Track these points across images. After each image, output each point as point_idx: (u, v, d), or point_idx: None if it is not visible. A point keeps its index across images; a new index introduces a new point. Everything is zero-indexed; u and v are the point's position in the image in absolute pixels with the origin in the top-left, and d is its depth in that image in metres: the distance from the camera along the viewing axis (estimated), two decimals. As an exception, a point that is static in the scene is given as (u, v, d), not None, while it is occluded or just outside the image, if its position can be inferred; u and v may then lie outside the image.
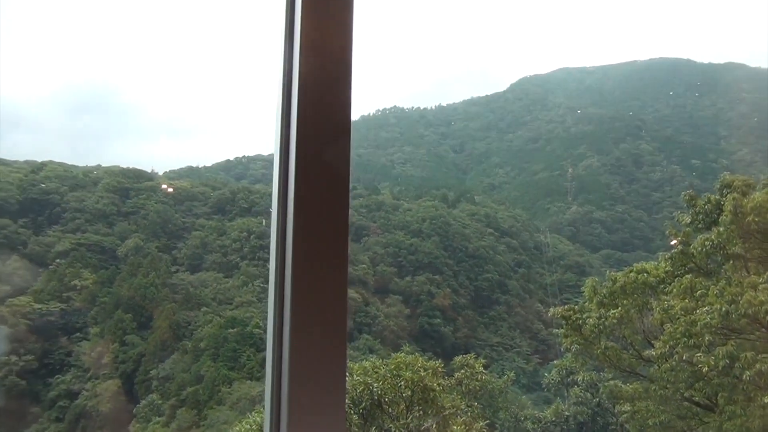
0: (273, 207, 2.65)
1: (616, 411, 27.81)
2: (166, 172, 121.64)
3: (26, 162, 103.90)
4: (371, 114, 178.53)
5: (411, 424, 10.32)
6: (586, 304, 25.84)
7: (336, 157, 2.63)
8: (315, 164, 2.55)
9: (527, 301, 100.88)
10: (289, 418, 2.31)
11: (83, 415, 66.00)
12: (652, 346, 23.42)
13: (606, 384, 28.23)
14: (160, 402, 62.84)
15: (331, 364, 2.43)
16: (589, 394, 30.16)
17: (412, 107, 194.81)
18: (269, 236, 2.75)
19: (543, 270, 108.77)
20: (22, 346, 72.44)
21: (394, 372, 9.92)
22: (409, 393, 10.62)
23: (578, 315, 24.92)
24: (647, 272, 24.85)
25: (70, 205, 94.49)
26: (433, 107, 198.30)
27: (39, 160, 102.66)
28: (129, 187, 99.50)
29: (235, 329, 69.32)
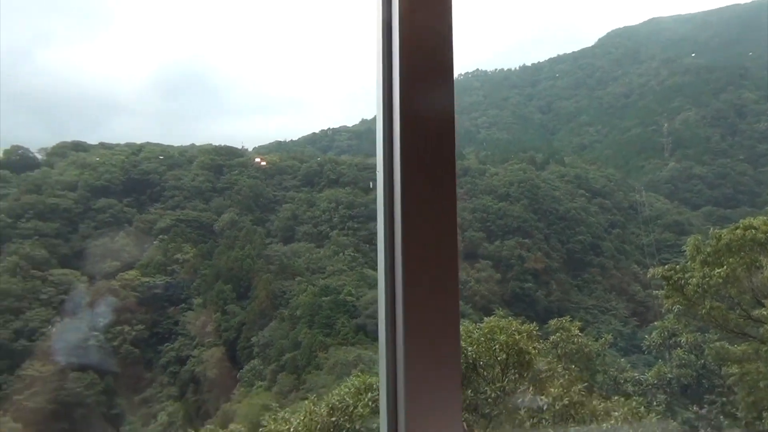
0: (378, 169, 2.59)
1: (722, 373, 26.62)
2: (255, 147, 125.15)
3: (127, 145, 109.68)
4: (453, 79, 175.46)
5: (507, 387, 10.29)
6: (688, 263, 24.69)
7: (441, 112, 2.53)
8: (420, 122, 2.48)
9: (623, 263, 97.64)
10: (407, 394, 2.29)
11: (192, 379, 70.04)
12: (763, 305, 22.20)
13: (712, 345, 27.04)
14: (261, 367, 65.62)
15: (445, 327, 2.39)
16: (693, 356, 28.99)
17: (495, 69, 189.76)
18: (374, 201, 2.67)
19: (639, 230, 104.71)
20: (134, 317, 77.37)
21: (488, 336, 9.88)
22: (504, 356, 10.59)
23: (680, 275, 23.86)
24: (755, 228, 23.39)
25: (168, 183, 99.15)
26: (517, 68, 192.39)
27: (138, 142, 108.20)
28: (222, 163, 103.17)
29: (329, 297, 71.12)
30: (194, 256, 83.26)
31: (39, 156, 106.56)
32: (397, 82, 2.46)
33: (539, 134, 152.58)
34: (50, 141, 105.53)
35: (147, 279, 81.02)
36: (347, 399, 9.19)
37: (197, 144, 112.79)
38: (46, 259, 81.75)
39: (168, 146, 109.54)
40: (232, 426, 25.66)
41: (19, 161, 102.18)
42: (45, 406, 62.51)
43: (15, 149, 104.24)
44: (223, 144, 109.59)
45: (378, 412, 8.58)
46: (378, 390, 9.19)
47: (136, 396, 72.79)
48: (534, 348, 11.35)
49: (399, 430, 2.38)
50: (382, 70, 2.55)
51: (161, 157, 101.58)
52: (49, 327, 71.01)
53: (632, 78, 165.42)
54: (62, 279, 78.18)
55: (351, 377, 10.20)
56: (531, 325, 12.84)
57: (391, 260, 2.49)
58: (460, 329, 9.23)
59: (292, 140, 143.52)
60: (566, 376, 12.06)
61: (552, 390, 9.82)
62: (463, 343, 9.72)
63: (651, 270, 25.93)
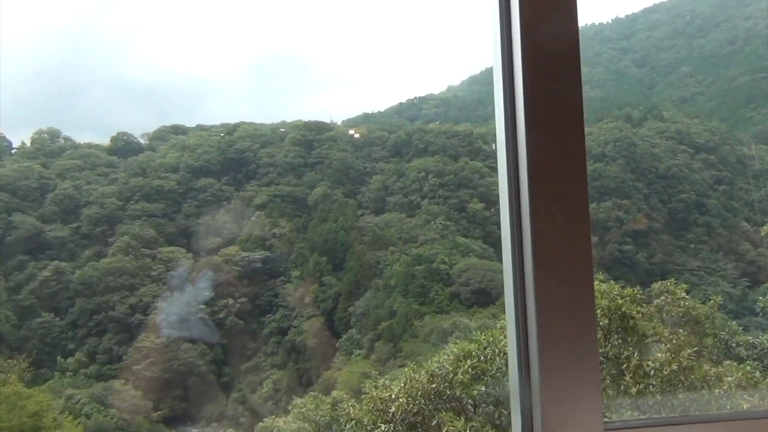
0: (498, 128, 2.47)
1: None
2: (344, 121, 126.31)
3: (222, 125, 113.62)
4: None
5: (610, 353, 10.00)
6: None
7: (566, 69, 2.37)
8: (544, 81, 2.33)
9: (730, 221, 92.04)
10: (541, 361, 2.20)
11: (294, 349, 72.71)
12: None
13: (833, 306, 25.13)
14: (358, 336, 67.10)
15: (578, 288, 2.27)
16: (812, 318, 27.13)
17: (586, 24, 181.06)
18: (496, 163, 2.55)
19: (748, 185, 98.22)
20: (237, 290, 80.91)
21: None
22: (606, 321, 10.28)
23: (796, 231, 22.21)
24: None
25: (262, 161, 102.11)
26: (610, 21, 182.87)
27: (232, 122, 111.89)
28: (312, 139, 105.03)
29: (422, 266, 71.44)
30: (290, 230, 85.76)
31: (142, 141, 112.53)
32: (518, 24, 2.30)
33: (635, 89, 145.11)
34: (152, 126, 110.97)
35: (247, 253, 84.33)
36: (447, 366, 9.22)
37: (288, 121, 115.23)
38: (155, 238, 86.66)
39: (260, 124, 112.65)
40: (334, 393, 26.46)
41: (125, 147, 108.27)
42: (161, 375, 66.86)
43: (121, 136, 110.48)
44: (312, 119, 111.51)
45: (479, 379, 8.53)
46: (478, 358, 9.14)
47: (243, 365, 76.48)
48: (638, 312, 10.95)
49: (533, 401, 2.27)
50: (500, 14, 2.40)
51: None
52: (161, 302, 75.53)
53: (737, 22, 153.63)
54: (170, 256, 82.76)
55: (449, 344, 10.22)
56: (633, 288, 12.39)
57: (518, 220, 2.37)
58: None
59: (379, 111, 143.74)
60: (673, 341, 11.60)
61: (659, 356, 9.47)
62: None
63: (765, 227, 24.32)
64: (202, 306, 77.62)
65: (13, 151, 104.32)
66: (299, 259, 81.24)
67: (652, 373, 9.17)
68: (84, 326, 76.01)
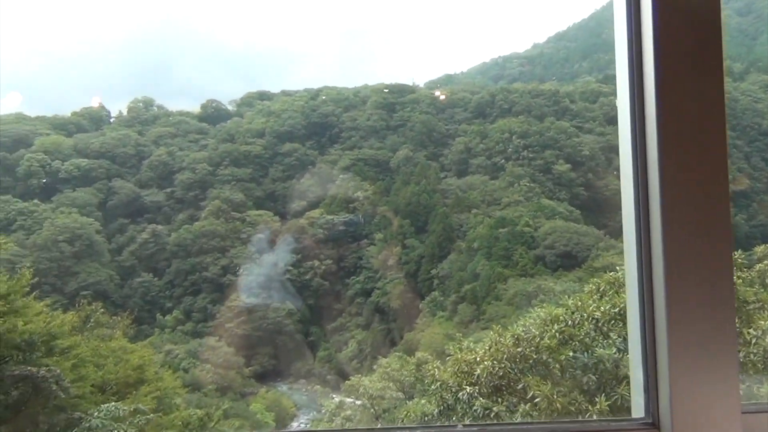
0: (620, 87, 2.24)
1: None
2: (426, 82, 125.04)
3: (305, 90, 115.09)
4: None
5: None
6: None
7: (704, 20, 2.13)
8: (680, 33, 2.10)
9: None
10: (670, 333, 1.98)
11: (378, 310, 73.98)
12: None
13: None
14: (441, 298, 67.35)
15: (715, 263, 2.02)
16: None
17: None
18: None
19: None
20: (322, 253, 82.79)
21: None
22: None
23: None
24: None
25: (345, 124, 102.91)
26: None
27: (316, 87, 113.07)
28: (394, 101, 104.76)
29: (506, 228, 70.51)
30: (373, 193, 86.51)
31: (230, 107, 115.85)
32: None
33: (737, 40, 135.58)
34: (239, 92, 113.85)
35: (331, 216, 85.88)
36: (533, 330, 9.10)
37: (370, 84, 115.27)
38: (243, 201, 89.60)
39: (343, 88, 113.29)
40: (418, 354, 26.80)
41: (214, 113, 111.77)
42: (251, 333, 69.77)
43: (210, 103, 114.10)
44: (394, 82, 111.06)
45: (567, 344, 8.34)
46: (565, 322, 8.94)
47: (329, 325, 78.64)
48: (738, 277, 10.36)
49: (660, 382, 2.04)
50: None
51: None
52: (250, 263, 78.39)
53: None
54: (258, 219, 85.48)
55: (536, 308, 10.06)
56: (734, 252, 11.68)
57: (644, 180, 2.13)
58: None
59: (461, 72, 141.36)
60: (776, 308, 10.96)
61: (762, 323, 8.97)
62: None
63: None
64: (289, 268, 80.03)
65: (111, 120, 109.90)
66: (382, 221, 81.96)
67: (753, 341, 8.73)
68: (180, 286, 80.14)
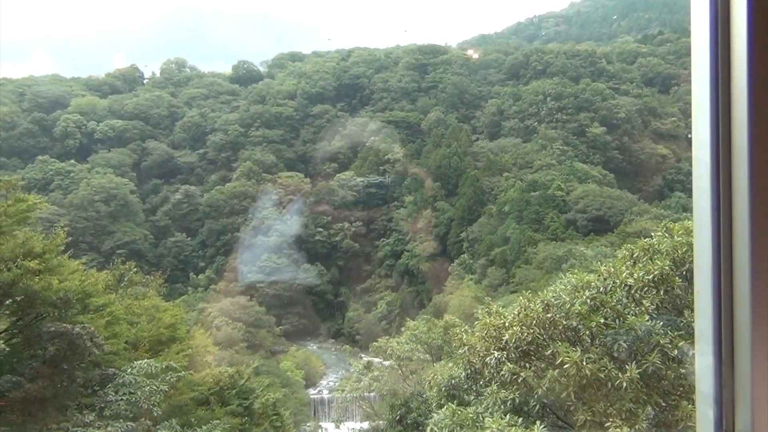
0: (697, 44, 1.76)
1: None
2: (459, 43, 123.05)
3: (337, 51, 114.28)
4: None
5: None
6: None
7: None
8: None
9: None
10: (755, 339, 1.61)
11: (407, 272, 74.33)
12: None
13: None
14: (471, 261, 67.23)
15: None
16: None
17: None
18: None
19: None
20: (352, 215, 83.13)
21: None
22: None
23: None
24: None
25: (376, 86, 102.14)
26: None
27: (347, 47, 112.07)
28: (426, 63, 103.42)
29: (537, 192, 69.69)
30: (404, 156, 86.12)
31: (262, 69, 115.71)
32: None
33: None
34: (270, 53, 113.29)
35: (362, 179, 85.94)
36: (563, 296, 8.92)
37: (402, 45, 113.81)
38: (274, 163, 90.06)
39: (374, 49, 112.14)
40: (446, 317, 26.84)
41: (246, 75, 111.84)
42: (282, 293, 70.78)
43: (241, 64, 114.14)
44: (426, 43, 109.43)
45: (597, 311, 8.11)
46: (597, 289, 8.71)
47: (358, 286, 79.40)
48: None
49: (737, 394, 1.67)
50: None
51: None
52: (280, 224, 79.07)
53: None
54: (288, 181, 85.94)
55: (567, 274, 9.86)
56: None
57: (726, 169, 1.72)
58: (688, 224, 8.23)
59: (495, 32, 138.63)
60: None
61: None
62: (693, 240, 8.89)
63: None
64: (320, 229, 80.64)
65: (144, 82, 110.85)
66: (413, 184, 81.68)
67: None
68: (212, 246, 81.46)
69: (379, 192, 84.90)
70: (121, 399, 13.67)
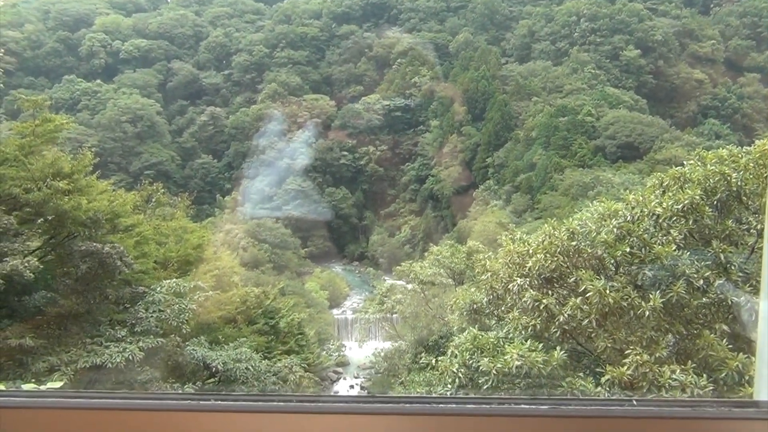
0: None
1: None
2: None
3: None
4: None
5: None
6: None
7: None
8: None
9: None
10: None
11: (431, 197, 74.35)
12: None
13: None
14: (496, 187, 66.86)
15: None
16: None
17: None
18: None
19: None
20: (377, 138, 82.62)
21: (760, 161, 8.56)
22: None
23: None
24: None
25: (404, 5, 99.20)
26: None
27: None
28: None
29: (566, 117, 68.29)
30: (431, 79, 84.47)
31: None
32: None
33: None
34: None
35: (387, 102, 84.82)
36: (589, 224, 8.80)
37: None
38: (300, 85, 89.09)
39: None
40: (469, 242, 26.94)
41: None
42: (307, 216, 71.44)
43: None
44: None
45: (623, 239, 8.02)
46: (624, 218, 8.59)
47: (382, 210, 79.81)
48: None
49: None
50: None
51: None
52: (307, 148, 78.91)
53: None
54: (314, 104, 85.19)
55: (593, 202, 9.70)
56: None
57: None
58: (722, 152, 7.95)
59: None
60: None
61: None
62: (726, 169, 8.61)
63: None
64: (344, 153, 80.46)
65: (168, 0, 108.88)
66: (439, 108, 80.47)
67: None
68: (238, 168, 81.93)
69: (404, 116, 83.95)
70: (152, 316, 14.13)
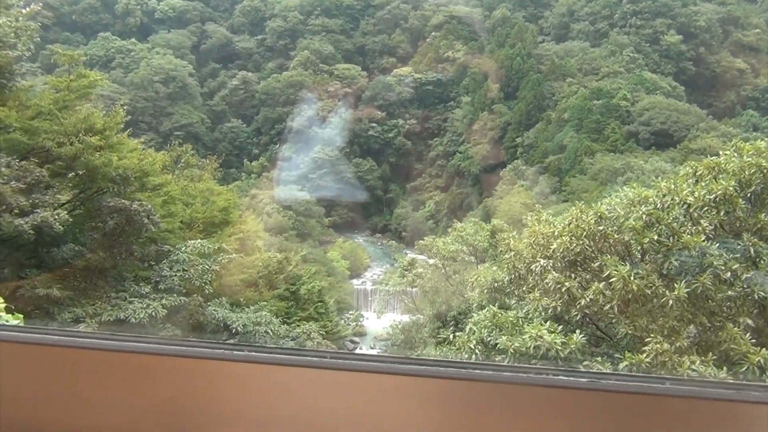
0: None
1: None
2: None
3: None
4: None
5: None
6: None
7: None
8: None
9: None
10: None
11: (457, 173, 73.92)
12: None
13: None
14: (524, 167, 66.19)
15: None
16: None
17: None
18: None
19: None
20: (407, 112, 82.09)
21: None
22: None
23: None
24: None
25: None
26: None
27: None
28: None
29: (601, 101, 67.11)
30: (464, 54, 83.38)
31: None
32: None
33: None
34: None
35: (419, 75, 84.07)
36: (618, 210, 8.69)
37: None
38: (332, 54, 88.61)
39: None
40: (494, 221, 26.79)
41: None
42: (333, 185, 71.55)
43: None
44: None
45: (652, 227, 7.90)
46: (654, 205, 8.46)
47: (408, 183, 79.60)
48: None
49: None
50: None
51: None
52: (335, 117, 78.79)
53: None
54: (345, 73, 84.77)
55: (624, 187, 9.57)
56: None
57: None
58: (760, 144, 7.76)
59: None
60: None
61: None
62: (762, 161, 8.43)
63: None
64: (373, 124, 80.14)
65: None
66: (471, 84, 79.52)
67: None
68: (267, 134, 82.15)
69: (436, 90, 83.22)
70: (175, 275, 14.36)
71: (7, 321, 4.46)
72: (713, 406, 1.49)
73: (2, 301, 4.60)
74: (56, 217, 12.44)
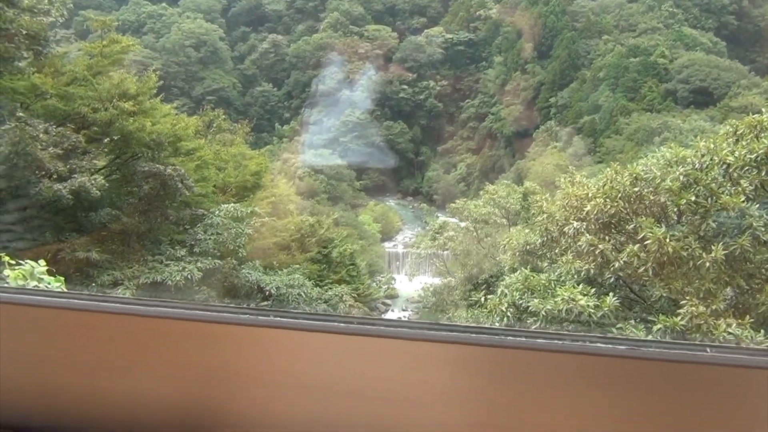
0: None
1: None
2: None
3: None
4: None
5: None
6: None
7: None
8: None
9: None
10: None
11: (489, 135, 73.07)
12: None
13: None
14: (557, 128, 65.11)
15: None
16: None
17: None
18: None
19: None
20: (438, 73, 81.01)
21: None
22: None
23: None
24: None
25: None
26: None
27: None
28: None
29: (638, 58, 65.24)
30: (497, 13, 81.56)
31: None
32: None
33: None
34: None
35: (451, 36, 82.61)
36: (654, 170, 8.49)
37: None
38: (362, 15, 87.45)
39: None
40: (526, 183, 26.52)
41: None
42: (364, 149, 71.47)
43: None
44: None
45: (690, 188, 7.72)
46: (692, 165, 8.27)
47: (439, 146, 79.02)
48: None
49: None
50: None
51: None
52: (366, 80, 78.18)
53: None
54: (376, 35, 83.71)
55: (661, 147, 9.34)
56: None
57: None
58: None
59: None
60: None
61: None
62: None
63: None
64: (404, 86, 79.36)
65: None
66: (504, 44, 77.93)
67: None
68: (298, 97, 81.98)
69: (467, 50, 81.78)
70: (210, 238, 14.61)
71: (49, 284, 4.59)
72: (759, 375, 1.45)
73: (44, 264, 4.73)
74: (93, 182, 12.70)
